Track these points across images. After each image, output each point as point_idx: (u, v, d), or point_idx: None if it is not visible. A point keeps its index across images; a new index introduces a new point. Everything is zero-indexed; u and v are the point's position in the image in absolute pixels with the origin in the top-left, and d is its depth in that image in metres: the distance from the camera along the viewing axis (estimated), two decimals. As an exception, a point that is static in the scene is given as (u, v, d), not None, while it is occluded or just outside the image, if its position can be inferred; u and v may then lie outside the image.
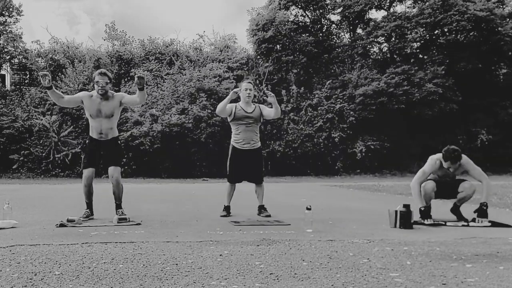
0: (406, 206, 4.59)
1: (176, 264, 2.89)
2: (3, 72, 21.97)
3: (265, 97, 5.61)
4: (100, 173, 15.01)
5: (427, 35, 22.27)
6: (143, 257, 3.11)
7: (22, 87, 21.45)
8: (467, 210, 5.36)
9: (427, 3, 21.22)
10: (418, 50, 23.11)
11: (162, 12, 47.07)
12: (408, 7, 23.21)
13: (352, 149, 19.96)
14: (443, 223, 4.85)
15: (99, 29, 45.61)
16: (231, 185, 5.68)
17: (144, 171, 17.57)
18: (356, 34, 23.50)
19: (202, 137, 18.26)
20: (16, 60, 22.03)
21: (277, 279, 2.56)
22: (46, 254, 3.16)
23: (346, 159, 20.07)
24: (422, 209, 4.85)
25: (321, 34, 23.87)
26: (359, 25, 23.79)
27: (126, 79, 20.28)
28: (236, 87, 18.23)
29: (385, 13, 22.65)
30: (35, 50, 21.83)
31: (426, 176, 5.06)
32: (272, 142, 19.32)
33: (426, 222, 4.81)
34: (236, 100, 5.67)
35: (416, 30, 21.72)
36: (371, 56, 23.81)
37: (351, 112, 20.11)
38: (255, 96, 6.41)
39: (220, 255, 3.18)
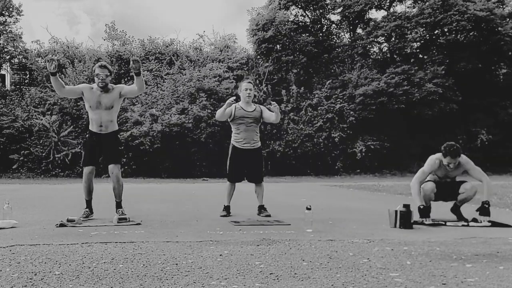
0: (406, 206, 4.59)
1: (176, 264, 2.89)
2: (3, 72, 21.98)
3: (269, 106, 5.61)
4: (100, 173, 15.11)
5: (427, 35, 22.26)
6: (143, 257, 3.11)
7: (22, 87, 21.45)
8: (468, 210, 5.36)
9: (427, 3, 21.21)
10: (418, 50, 23.11)
11: (162, 12, 47.10)
12: (408, 7, 23.23)
13: (352, 149, 19.96)
14: (443, 223, 4.86)
15: (99, 29, 45.65)
16: (231, 184, 5.68)
17: (144, 171, 17.57)
18: (356, 34, 23.49)
19: (202, 137, 18.27)
20: (16, 60, 22.03)
21: (277, 279, 2.56)
22: (46, 254, 3.16)
23: (346, 159, 20.07)
24: (421, 207, 4.85)
25: (321, 34, 23.86)
26: (359, 25, 23.79)
27: (126, 79, 20.27)
28: (236, 87, 18.27)
29: (385, 13, 22.65)
30: (35, 50, 21.84)
31: (426, 176, 5.06)
32: (272, 142, 19.32)
33: (426, 222, 4.81)
34: (236, 100, 5.67)
35: (416, 30, 21.71)
36: (371, 56, 23.81)
37: (351, 112, 20.11)
38: (255, 96, 6.41)
39: (220, 255, 3.19)
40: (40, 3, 41.57)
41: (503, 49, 21.43)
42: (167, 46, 22.56)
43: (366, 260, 3.04)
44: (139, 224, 4.71)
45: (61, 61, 19.80)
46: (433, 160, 5.05)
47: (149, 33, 47.41)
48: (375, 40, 22.69)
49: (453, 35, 21.70)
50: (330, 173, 19.59)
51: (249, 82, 5.78)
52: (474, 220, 4.92)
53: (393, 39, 22.20)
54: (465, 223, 4.88)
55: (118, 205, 5.14)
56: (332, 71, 22.66)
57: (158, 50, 22.29)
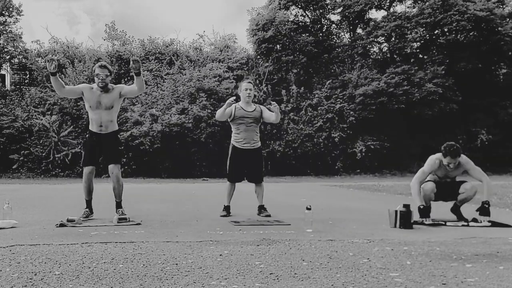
0: (406, 206, 4.59)
1: (176, 264, 2.89)
2: (3, 72, 21.98)
3: (269, 106, 5.61)
4: (100, 173, 15.11)
5: (427, 35, 22.26)
6: (143, 257, 3.11)
7: (22, 87, 21.45)
8: (468, 210, 5.36)
9: (427, 3, 21.21)
10: (418, 50, 23.12)
11: (162, 12, 47.10)
12: (408, 7, 23.23)
13: (352, 149, 19.96)
14: (443, 223, 4.86)
15: (99, 29, 45.66)
16: (231, 184, 5.68)
17: (144, 171, 17.57)
18: (356, 34, 23.49)
19: (202, 137, 18.27)
20: (16, 60, 22.03)
21: (277, 279, 2.56)
22: (46, 254, 3.16)
23: (346, 159, 20.07)
24: (421, 207, 4.85)
25: (321, 34, 23.87)
26: (359, 25, 23.79)
27: (126, 79, 20.27)
28: (236, 87, 18.27)
29: (385, 13, 22.65)
30: (35, 50, 21.84)
31: (426, 176, 5.06)
32: (272, 142, 19.32)
33: (426, 222, 4.81)
34: (236, 100, 5.67)
35: (416, 30, 21.71)
36: (371, 56, 23.81)
37: (351, 112, 20.11)
38: (255, 96, 6.41)
39: (220, 255, 3.19)
40: (40, 3, 41.60)
41: (503, 49, 21.43)
42: (167, 46, 22.57)
43: (366, 260, 3.04)
44: (139, 224, 4.71)
45: (61, 61, 19.80)
46: (433, 160, 5.05)
47: (149, 33, 47.46)
48: (375, 40, 22.69)
49: (453, 35, 21.70)
50: (330, 173, 19.59)
51: (249, 82, 5.78)
52: (474, 220, 4.92)
53: (393, 39, 22.20)
54: (465, 223, 4.88)
55: (118, 205, 5.14)
56: (332, 71, 22.66)
57: (158, 50, 22.29)
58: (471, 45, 21.27)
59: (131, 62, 4.77)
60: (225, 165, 5.81)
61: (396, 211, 4.59)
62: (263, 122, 5.81)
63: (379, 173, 19.84)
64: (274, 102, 5.56)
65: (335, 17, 24.11)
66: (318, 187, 12.69)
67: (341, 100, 20.34)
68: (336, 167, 19.85)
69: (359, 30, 23.73)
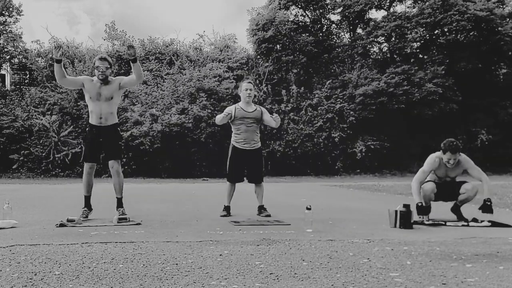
0: (406, 206, 4.59)
1: (176, 264, 2.89)
2: (3, 72, 21.96)
3: (271, 116, 5.64)
4: (100, 173, 15.11)
5: (427, 35, 22.26)
6: (143, 257, 3.11)
7: (22, 87, 21.43)
8: (468, 210, 5.36)
9: (427, 3, 21.21)
10: (418, 50, 23.11)
11: (162, 12, 47.11)
12: (408, 7, 23.23)
13: (352, 149, 19.96)
14: (443, 223, 4.86)
15: (99, 29, 45.67)
16: (231, 184, 5.68)
17: (144, 171, 17.57)
18: (356, 34, 23.49)
19: (202, 137, 18.27)
20: (16, 60, 22.01)
21: (277, 279, 2.56)
22: (46, 254, 3.16)
23: (346, 159, 20.08)
24: (419, 205, 4.84)
25: (321, 34, 23.86)
26: (359, 25, 23.79)
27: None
28: (236, 87, 18.27)
29: (385, 13, 22.65)
30: (35, 50, 21.81)
31: (426, 175, 5.06)
32: (272, 142, 19.32)
33: (426, 221, 4.81)
34: (236, 100, 5.67)
35: (416, 30, 21.71)
36: (371, 56, 23.81)
37: (351, 112, 20.11)
38: (255, 96, 6.40)
39: (220, 255, 3.19)
40: (40, 3, 41.60)
41: (503, 49, 21.42)
42: (167, 46, 22.56)
43: (366, 260, 3.04)
44: (139, 224, 4.71)
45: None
46: (432, 158, 5.05)
47: (149, 33, 47.45)
48: (375, 40, 22.68)
49: (453, 35, 21.70)
50: (330, 173, 19.59)
51: (249, 82, 5.78)
52: (474, 220, 4.92)
53: (393, 39, 22.20)
54: (465, 223, 4.88)
55: (119, 202, 5.11)
56: (332, 71, 22.66)
57: (158, 50, 22.29)
58: (471, 45, 21.27)
59: (126, 49, 4.81)
60: (225, 165, 5.81)
61: (396, 211, 4.59)
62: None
63: (379, 173, 19.85)
64: (276, 114, 5.59)
65: (335, 17, 24.15)
66: (318, 187, 12.69)
67: (341, 100, 20.34)
68: (336, 167, 19.85)
69: (359, 30, 23.73)
